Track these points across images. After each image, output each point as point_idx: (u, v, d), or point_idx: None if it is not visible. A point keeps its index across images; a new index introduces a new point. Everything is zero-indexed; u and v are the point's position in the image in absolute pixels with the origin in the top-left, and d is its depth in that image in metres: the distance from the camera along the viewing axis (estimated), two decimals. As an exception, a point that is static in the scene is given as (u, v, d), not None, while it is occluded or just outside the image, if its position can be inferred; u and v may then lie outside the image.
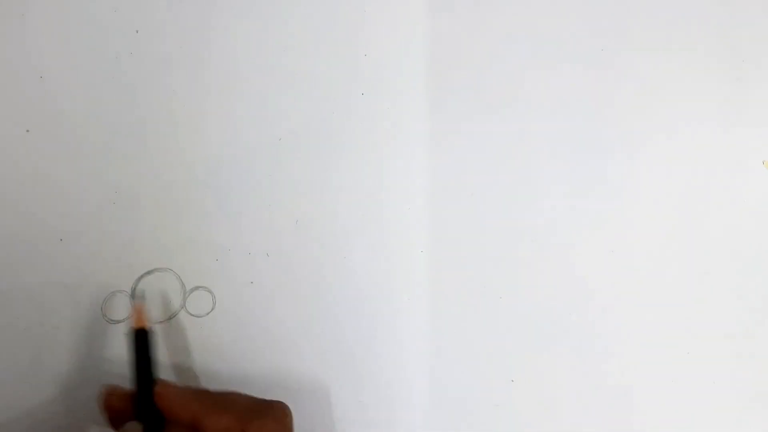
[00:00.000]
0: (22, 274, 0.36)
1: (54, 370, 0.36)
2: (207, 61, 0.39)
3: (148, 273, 0.37)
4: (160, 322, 0.37)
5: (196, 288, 0.38)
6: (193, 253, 0.38)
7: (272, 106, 0.39)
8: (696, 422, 0.41)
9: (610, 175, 0.42)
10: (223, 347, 0.38)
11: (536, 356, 0.40)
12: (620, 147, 0.42)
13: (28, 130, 0.37)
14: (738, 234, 0.42)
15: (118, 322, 0.37)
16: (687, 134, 0.42)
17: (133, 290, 0.37)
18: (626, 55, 0.42)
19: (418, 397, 0.39)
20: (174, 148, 0.38)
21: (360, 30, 0.40)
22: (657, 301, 0.41)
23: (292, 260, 0.39)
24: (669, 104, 0.42)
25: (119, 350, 0.37)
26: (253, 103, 0.39)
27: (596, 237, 0.41)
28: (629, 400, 0.41)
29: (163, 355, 0.37)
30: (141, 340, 0.33)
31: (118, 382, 0.36)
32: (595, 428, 0.40)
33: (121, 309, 0.37)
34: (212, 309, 0.38)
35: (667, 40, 0.43)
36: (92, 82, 0.38)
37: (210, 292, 0.38)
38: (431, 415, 0.39)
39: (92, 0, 0.38)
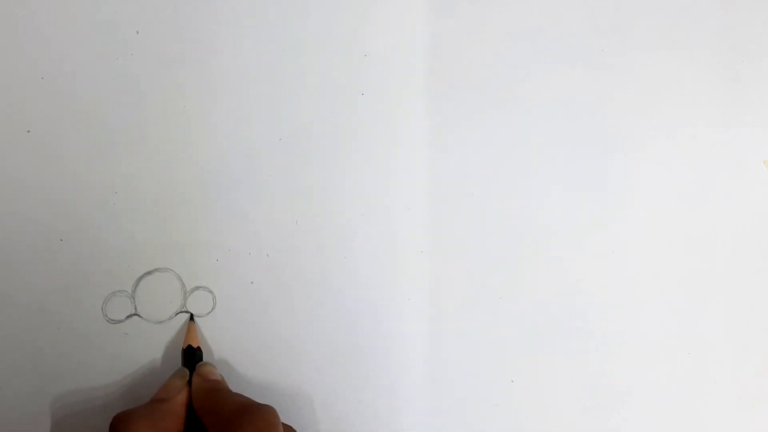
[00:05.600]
0: (22, 274, 0.36)
1: (54, 370, 0.36)
2: (207, 62, 0.39)
3: (148, 273, 0.37)
4: (160, 322, 0.37)
5: (196, 288, 0.38)
6: (193, 253, 0.38)
7: (272, 106, 0.39)
8: (696, 422, 0.41)
9: (610, 175, 0.42)
10: (223, 347, 0.38)
11: (536, 356, 0.40)
12: (620, 147, 0.42)
13: (28, 131, 0.37)
14: (738, 234, 0.42)
15: (118, 322, 0.37)
16: (687, 134, 0.42)
17: (134, 290, 0.37)
18: (626, 55, 0.42)
19: (418, 397, 0.39)
20: (174, 149, 0.38)
21: (360, 30, 0.40)
22: (657, 301, 0.41)
23: (292, 260, 0.39)
24: (669, 104, 0.42)
25: (119, 350, 0.37)
26: (254, 104, 0.39)
27: (596, 237, 0.41)
28: (629, 400, 0.41)
29: (163, 355, 0.37)
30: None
31: (117, 382, 0.37)
32: (595, 428, 0.40)
33: (121, 309, 0.37)
34: (212, 309, 0.38)
35: (666, 40, 0.43)
36: (93, 82, 0.38)
37: (210, 292, 0.38)
38: (431, 415, 0.39)
39: (93, 1, 0.38)
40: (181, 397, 0.34)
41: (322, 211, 0.39)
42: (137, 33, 0.38)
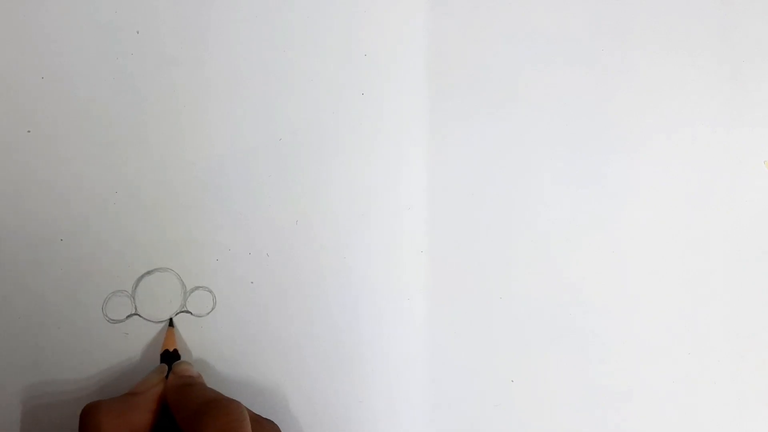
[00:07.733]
0: (22, 274, 0.36)
1: (54, 370, 0.36)
2: (207, 62, 0.39)
3: (148, 273, 0.37)
4: (161, 321, 0.37)
5: (196, 288, 0.38)
6: (193, 253, 0.38)
7: (272, 106, 0.39)
8: (696, 422, 0.41)
9: (610, 175, 0.42)
10: (223, 347, 0.38)
11: (536, 356, 0.40)
12: (620, 147, 0.42)
13: (28, 131, 0.37)
14: (738, 234, 0.42)
15: (118, 322, 0.37)
16: (687, 134, 0.43)
17: (134, 290, 0.37)
18: (626, 55, 0.42)
19: (418, 397, 0.39)
20: (174, 149, 0.38)
21: (360, 30, 0.40)
22: (657, 301, 0.41)
23: (292, 260, 0.39)
24: (669, 104, 0.43)
25: (119, 350, 0.37)
26: (254, 104, 0.39)
27: (596, 237, 0.41)
28: (629, 401, 0.41)
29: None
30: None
31: (117, 382, 0.37)
32: (595, 428, 0.40)
33: (121, 309, 0.37)
34: (212, 309, 0.38)
35: (666, 40, 0.43)
36: (93, 82, 0.38)
37: (210, 292, 0.38)
38: (431, 415, 0.39)
39: (93, 1, 0.38)
40: (155, 392, 0.34)
41: (322, 211, 0.39)
42: (137, 33, 0.38)
